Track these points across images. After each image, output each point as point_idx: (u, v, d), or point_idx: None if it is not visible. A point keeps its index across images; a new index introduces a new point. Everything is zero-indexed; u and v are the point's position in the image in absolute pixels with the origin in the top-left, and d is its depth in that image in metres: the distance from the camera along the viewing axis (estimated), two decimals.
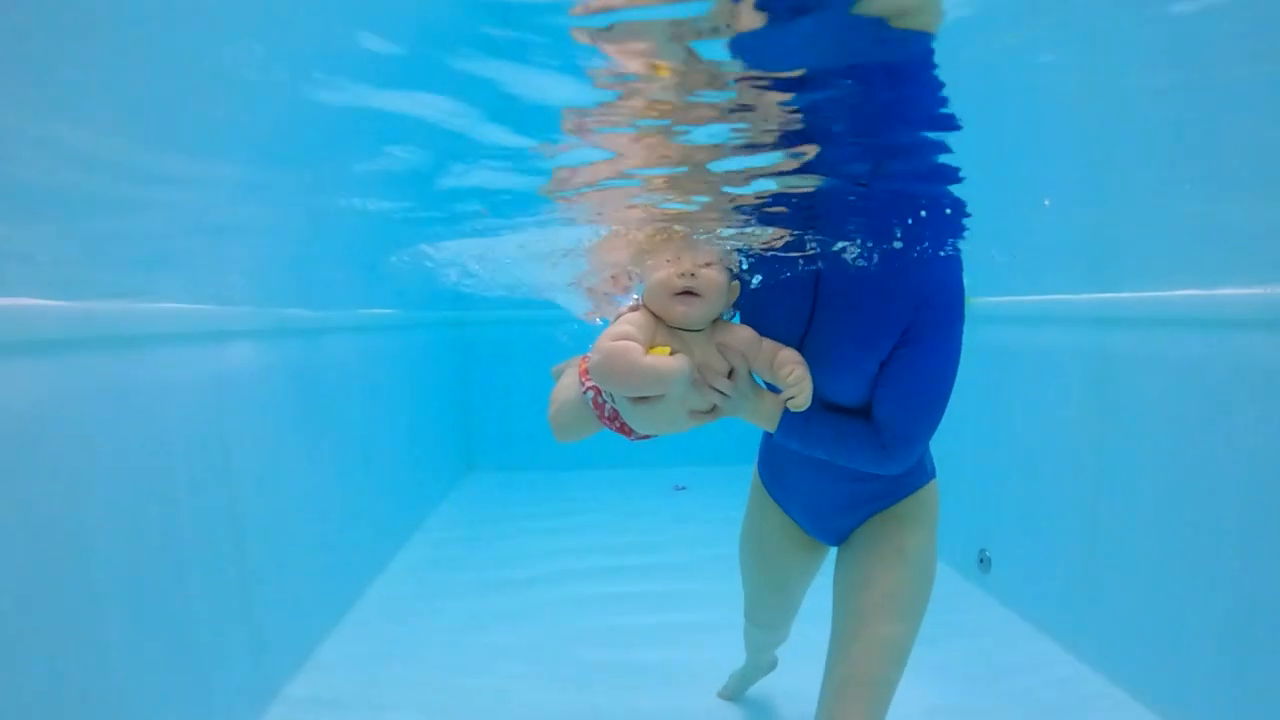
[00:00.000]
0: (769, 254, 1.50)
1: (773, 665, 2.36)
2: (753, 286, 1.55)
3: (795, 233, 1.44)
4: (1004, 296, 3.16)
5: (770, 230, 1.44)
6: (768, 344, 1.42)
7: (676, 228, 1.49)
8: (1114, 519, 2.54)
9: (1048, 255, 2.26)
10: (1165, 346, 2.36)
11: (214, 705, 2.16)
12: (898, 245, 1.42)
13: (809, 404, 1.35)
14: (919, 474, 1.58)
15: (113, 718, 1.73)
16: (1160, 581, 2.32)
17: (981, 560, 3.30)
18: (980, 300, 3.24)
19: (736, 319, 1.56)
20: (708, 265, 1.37)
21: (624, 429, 1.49)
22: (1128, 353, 2.52)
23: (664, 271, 1.36)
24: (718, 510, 4.31)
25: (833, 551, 1.74)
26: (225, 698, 2.22)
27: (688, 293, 1.34)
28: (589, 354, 1.36)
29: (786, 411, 1.42)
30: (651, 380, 1.28)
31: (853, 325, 1.40)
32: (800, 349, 1.45)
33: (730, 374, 1.41)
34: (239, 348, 2.49)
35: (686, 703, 2.46)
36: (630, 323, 1.36)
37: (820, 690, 1.51)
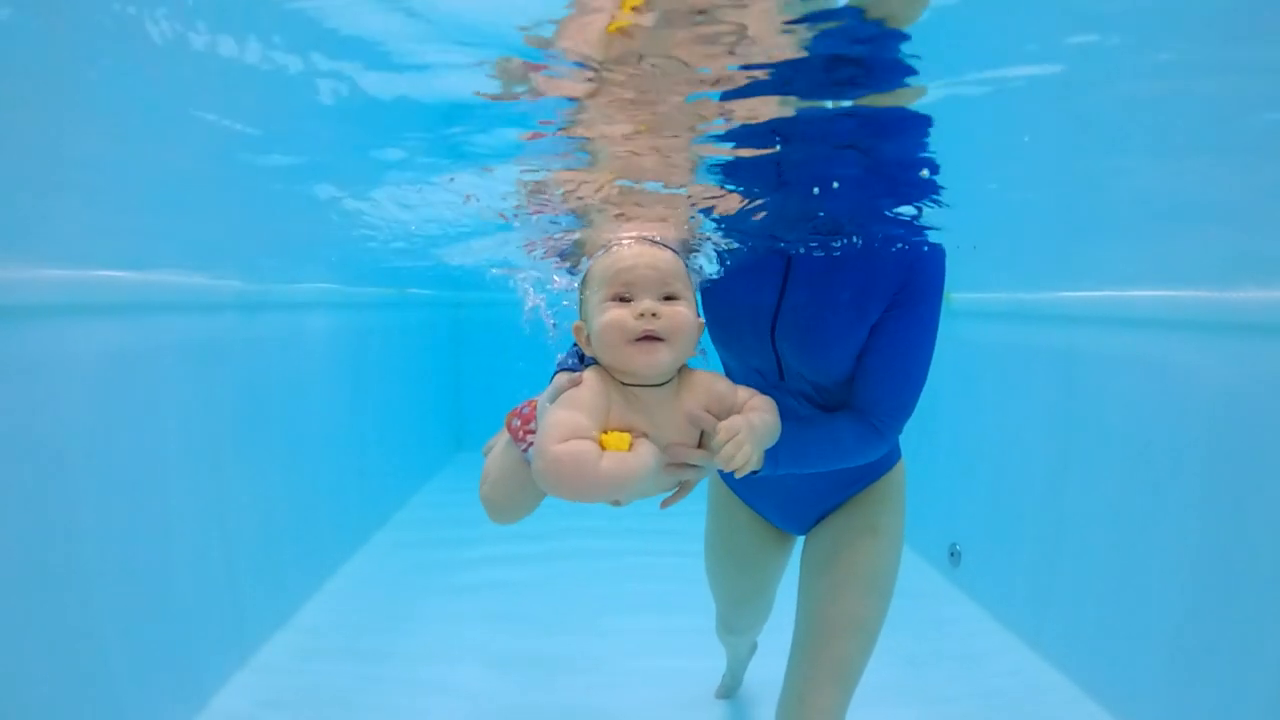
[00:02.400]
0: (735, 225, 1.40)
1: (754, 649, 2.37)
2: (717, 270, 1.49)
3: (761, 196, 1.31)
4: (978, 293, 3.20)
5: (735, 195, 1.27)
6: (742, 393, 1.22)
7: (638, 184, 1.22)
8: (1075, 517, 2.59)
9: (1018, 252, 2.29)
10: (1127, 347, 2.39)
11: (195, 658, 2.25)
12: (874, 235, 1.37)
13: (749, 465, 1.10)
14: (891, 454, 1.55)
15: (98, 671, 1.81)
16: (1116, 580, 2.36)
17: (952, 554, 3.36)
18: (957, 296, 3.29)
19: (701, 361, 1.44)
20: (670, 300, 1.12)
21: None
22: (1092, 351, 2.56)
23: (616, 311, 1.10)
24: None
25: (799, 540, 1.69)
26: (206, 652, 2.31)
27: (649, 338, 1.09)
28: (533, 460, 1.08)
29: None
30: (613, 491, 1.05)
31: (842, 292, 1.33)
32: (774, 324, 1.39)
33: (700, 439, 1.17)
34: (226, 319, 2.55)
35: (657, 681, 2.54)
36: (574, 405, 1.09)
37: (788, 672, 1.47)
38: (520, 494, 1.30)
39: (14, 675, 1.61)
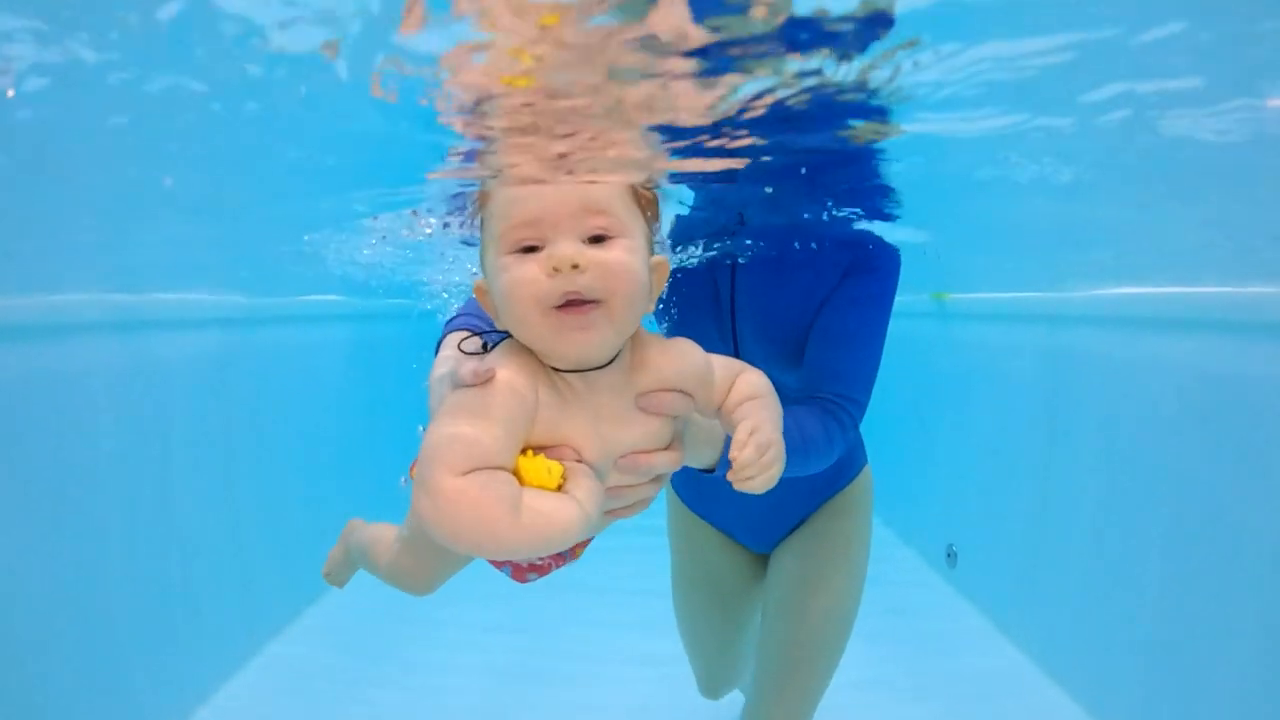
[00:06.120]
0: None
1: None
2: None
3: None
4: (972, 294, 3.19)
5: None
6: (721, 369, 0.86)
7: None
8: (1059, 518, 2.58)
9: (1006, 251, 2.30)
10: (1106, 346, 2.39)
11: (201, 650, 2.38)
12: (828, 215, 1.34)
13: (766, 487, 0.82)
14: (858, 457, 1.54)
15: (107, 653, 1.94)
16: (1094, 581, 2.37)
17: (949, 555, 3.36)
18: (954, 297, 3.29)
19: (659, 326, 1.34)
20: (601, 240, 0.75)
21: None
22: (1074, 351, 2.56)
23: (521, 269, 0.73)
24: None
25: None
26: (214, 645, 2.44)
27: (574, 303, 0.73)
28: (414, 496, 0.69)
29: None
30: (532, 553, 0.69)
31: (793, 277, 1.27)
32: (733, 307, 1.31)
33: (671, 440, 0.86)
34: (236, 333, 2.70)
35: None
36: (480, 410, 0.71)
37: (758, 677, 1.48)
38: (439, 559, 0.99)
39: (41, 667, 1.74)
